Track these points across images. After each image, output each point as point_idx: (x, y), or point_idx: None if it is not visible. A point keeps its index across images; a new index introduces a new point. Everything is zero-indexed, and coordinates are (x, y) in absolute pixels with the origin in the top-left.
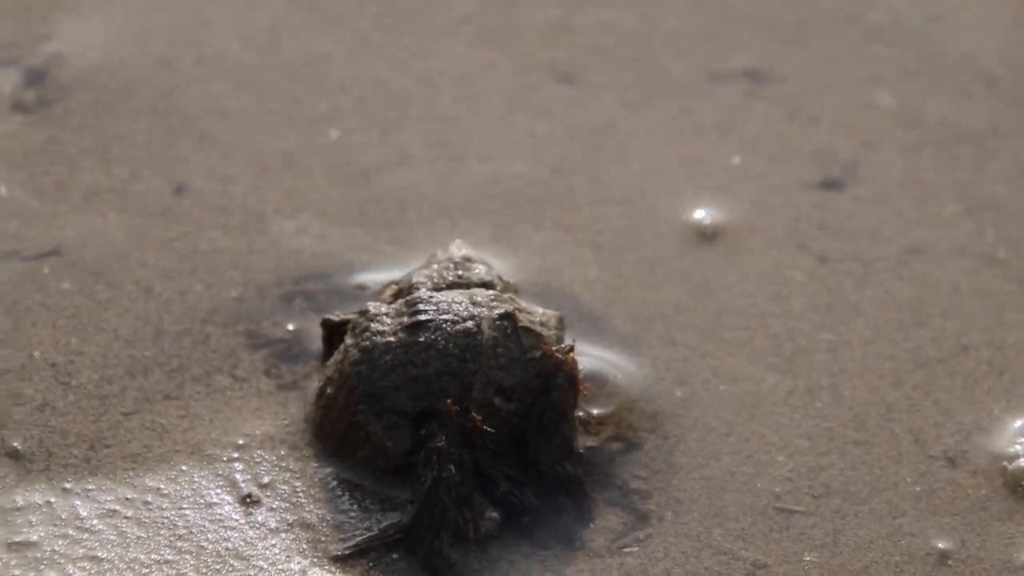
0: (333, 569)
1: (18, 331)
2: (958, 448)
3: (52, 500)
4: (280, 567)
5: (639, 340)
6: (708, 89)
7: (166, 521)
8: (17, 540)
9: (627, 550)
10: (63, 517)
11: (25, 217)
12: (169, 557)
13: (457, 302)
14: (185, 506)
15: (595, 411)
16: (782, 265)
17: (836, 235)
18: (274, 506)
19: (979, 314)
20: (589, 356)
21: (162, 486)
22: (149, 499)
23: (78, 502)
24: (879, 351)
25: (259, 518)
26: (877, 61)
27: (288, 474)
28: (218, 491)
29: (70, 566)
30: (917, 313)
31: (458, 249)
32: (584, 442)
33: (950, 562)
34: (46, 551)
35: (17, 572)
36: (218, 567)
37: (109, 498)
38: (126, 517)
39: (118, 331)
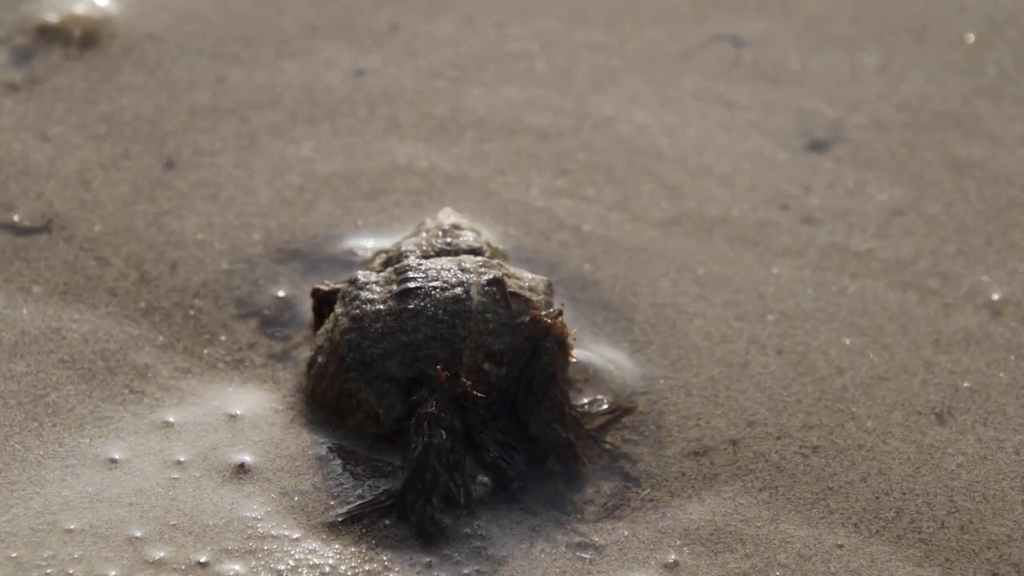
0: (326, 536)
1: (10, 307)
2: (944, 405)
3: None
4: (274, 535)
5: (629, 304)
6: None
7: (161, 494)
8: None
9: (617, 513)
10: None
11: (17, 191)
12: (165, 531)
13: (446, 269)
14: (178, 477)
15: (584, 376)
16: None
17: (821, 197)
18: (267, 475)
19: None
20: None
21: (154, 457)
22: (146, 470)
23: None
24: (867, 320)
25: (252, 487)
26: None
27: (280, 442)
28: (210, 462)
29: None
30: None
31: (447, 216)
32: (574, 406)
33: None
34: None
35: None
36: (213, 537)
37: (97, 472)
38: (120, 489)
39: (109, 307)
